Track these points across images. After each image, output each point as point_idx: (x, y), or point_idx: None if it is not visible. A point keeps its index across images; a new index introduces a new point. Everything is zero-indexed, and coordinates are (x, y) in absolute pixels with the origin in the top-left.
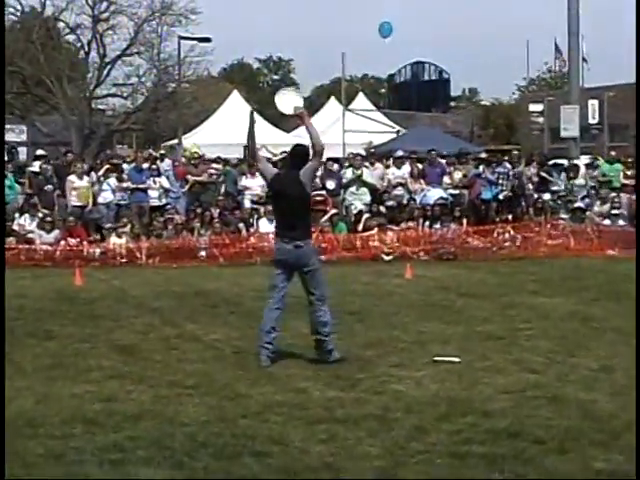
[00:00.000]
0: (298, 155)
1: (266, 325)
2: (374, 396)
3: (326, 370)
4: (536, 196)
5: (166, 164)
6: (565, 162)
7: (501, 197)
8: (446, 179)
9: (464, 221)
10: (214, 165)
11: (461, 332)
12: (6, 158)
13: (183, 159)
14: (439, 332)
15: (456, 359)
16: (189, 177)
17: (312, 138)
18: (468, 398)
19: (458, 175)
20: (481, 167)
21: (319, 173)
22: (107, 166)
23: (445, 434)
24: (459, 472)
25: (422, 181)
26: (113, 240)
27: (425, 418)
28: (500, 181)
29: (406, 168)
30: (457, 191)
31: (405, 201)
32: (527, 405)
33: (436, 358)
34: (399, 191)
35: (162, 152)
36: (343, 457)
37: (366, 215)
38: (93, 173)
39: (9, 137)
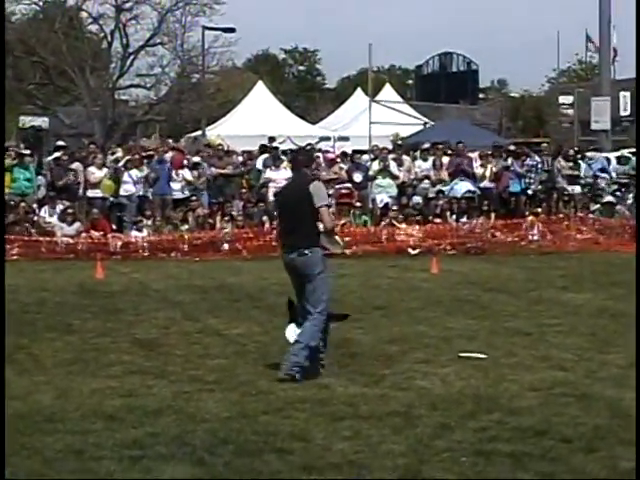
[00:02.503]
0: (297, 159)
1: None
2: (399, 392)
3: (350, 366)
4: (569, 189)
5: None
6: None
7: (530, 192)
8: (477, 171)
9: (492, 215)
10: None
11: (488, 328)
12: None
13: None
14: (465, 328)
15: (482, 355)
16: (213, 170)
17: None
18: (494, 395)
19: (486, 169)
20: (510, 160)
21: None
22: (128, 157)
23: (470, 432)
24: (484, 470)
25: (446, 172)
26: (134, 233)
27: (450, 415)
28: (529, 174)
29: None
30: (485, 184)
31: (432, 194)
32: (554, 403)
33: (462, 354)
34: (425, 184)
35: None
36: (367, 454)
37: (393, 208)
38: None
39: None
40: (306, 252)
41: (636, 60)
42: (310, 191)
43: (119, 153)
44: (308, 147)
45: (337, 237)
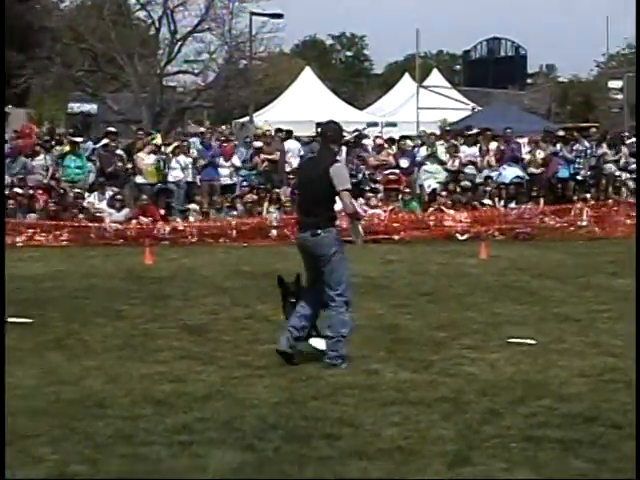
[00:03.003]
0: (326, 134)
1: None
2: (447, 378)
3: (399, 352)
4: (617, 174)
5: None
6: None
7: (580, 177)
8: (526, 157)
9: (541, 200)
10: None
11: (536, 313)
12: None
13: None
14: (514, 313)
15: (531, 341)
16: (261, 155)
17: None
18: (543, 381)
19: (534, 155)
20: (558, 145)
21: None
22: (176, 143)
23: (520, 418)
24: (534, 456)
25: (492, 158)
26: (182, 218)
27: (499, 401)
28: (578, 159)
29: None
30: (534, 170)
31: (481, 180)
32: (604, 389)
33: (511, 340)
34: (470, 169)
35: (202, 130)
36: (415, 440)
37: (442, 194)
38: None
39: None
40: (319, 232)
41: (636, 59)
42: (331, 174)
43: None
44: (355, 132)
45: (360, 227)
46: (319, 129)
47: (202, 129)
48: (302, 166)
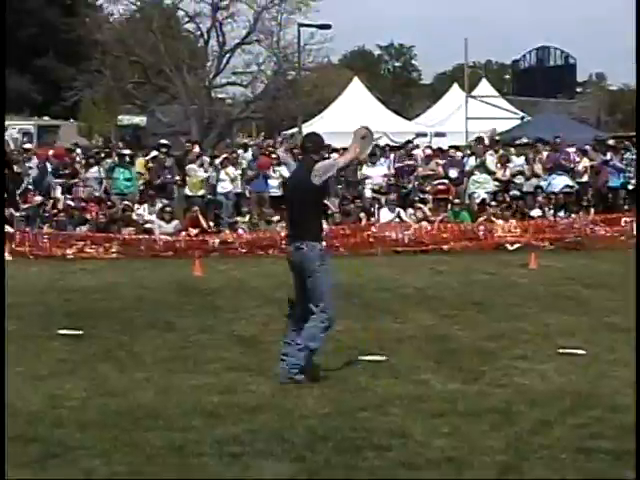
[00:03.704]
0: (305, 146)
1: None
2: (497, 389)
3: (448, 362)
4: None
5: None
6: None
7: (630, 186)
8: (579, 166)
9: (591, 210)
10: None
11: (587, 324)
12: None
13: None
14: (564, 323)
15: (582, 351)
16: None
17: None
18: (594, 392)
19: (583, 164)
20: (609, 154)
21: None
22: (225, 155)
23: (570, 428)
24: (585, 467)
25: (540, 167)
26: (231, 230)
27: (549, 412)
28: (629, 168)
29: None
30: (584, 179)
31: (530, 189)
32: None
33: (561, 350)
34: (519, 179)
35: (245, 142)
36: (465, 451)
37: (491, 204)
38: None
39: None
40: (303, 247)
41: (636, 60)
42: (315, 178)
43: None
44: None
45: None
46: (300, 142)
47: (246, 141)
48: (288, 180)
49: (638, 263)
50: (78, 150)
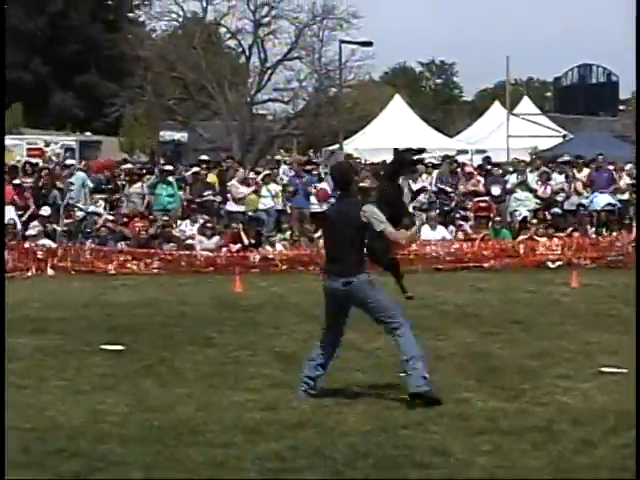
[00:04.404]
0: (337, 180)
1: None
2: (539, 407)
3: (489, 380)
4: None
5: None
6: None
7: None
8: (620, 184)
9: (633, 228)
10: None
11: (629, 342)
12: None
13: None
14: (606, 342)
15: (624, 370)
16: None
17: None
18: (637, 411)
19: (627, 180)
20: None
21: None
22: (267, 172)
23: (613, 448)
24: None
25: (580, 185)
26: (269, 247)
27: (592, 431)
28: None
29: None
30: (625, 196)
31: (572, 207)
32: None
33: (603, 369)
34: (561, 197)
35: (278, 158)
36: (507, 469)
37: (532, 222)
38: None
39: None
40: (352, 280)
41: (636, 62)
42: (364, 218)
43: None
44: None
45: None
46: (332, 176)
47: (279, 157)
48: (329, 213)
49: (638, 268)
50: (126, 165)
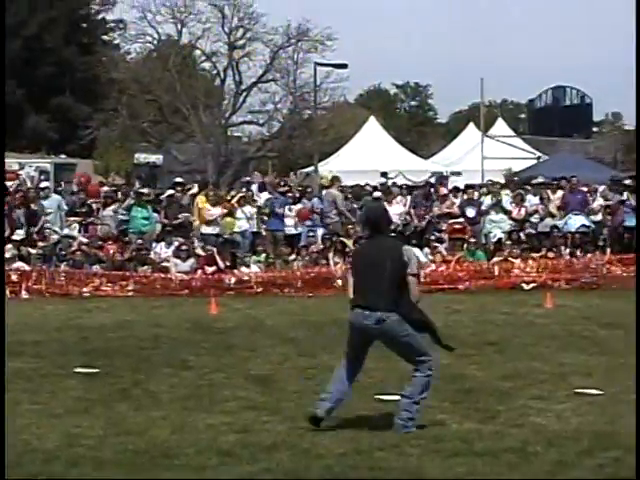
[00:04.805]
0: (382, 225)
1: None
2: (513, 429)
3: (464, 402)
4: None
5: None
6: None
7: None
8: (594, 205)
9: (607, 249)
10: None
11: (604, 364)
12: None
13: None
14: (581, 364)
15: (599, 392)
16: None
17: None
18: (611, 432)
19: (600, 202)
20: (625, 194)
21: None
22: (241, 194)
23: (588, 470)
24: None
25: (554, 206)
26: (243, 269)
27: (566, 452)
28: None
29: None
30: (598, 218)
31: (546, 228)
32: None
33: (578, 390)
34: (535, 218)
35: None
36: None
37: (507, 243)
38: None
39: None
40: (385, 318)
41: (636, 64)
42: (404, 254)
43: (194, 189)
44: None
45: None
46: (368, 221)
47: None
48: (363, 249)
49: (638, 271)
50: (104, 188)
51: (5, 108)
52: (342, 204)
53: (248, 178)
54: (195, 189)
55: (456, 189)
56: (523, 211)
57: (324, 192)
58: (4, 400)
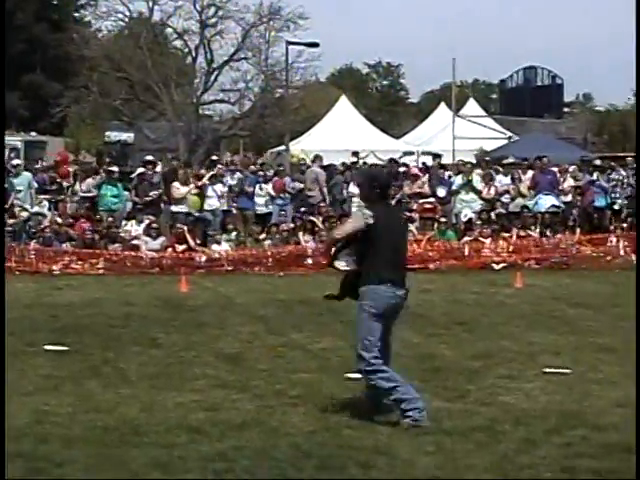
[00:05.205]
0: (388, 190)
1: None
2: (482, 408)
3: (434, 381)
4: None
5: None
6: None
7: (617, 207)
8: (564, 186)
9: (577, 230)
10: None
11: (573, 343)
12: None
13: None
14: (550, 343)
15: (567, 371)
16: (296, 184)
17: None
18: (579, 411)
19: (571, 182)
20: (595, 174)
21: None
22: (212, 172)
23: (555, 447)
24: None
25: (525, 186)
26: (214, 247)
27: (534, 431)
28: (615, 189)
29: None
30: (568, 198)
31: (517, 208)
32: None
33: (546, 370)
34: (506, 198)
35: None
36: (450, 470)
37: (477, 223)
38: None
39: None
40: (407, 289)
41: (636, 62)
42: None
43: (158, 167)
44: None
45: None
46: (378, 183)
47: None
48: (387, 218)
49: (638, 268)
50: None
51: (5, 107)
52: (324, 182)
53: (214, 157)
54: (159, 167)
55: (426, 168)
56: (493, 190)
57: (307, 170)
58: (4, 402)
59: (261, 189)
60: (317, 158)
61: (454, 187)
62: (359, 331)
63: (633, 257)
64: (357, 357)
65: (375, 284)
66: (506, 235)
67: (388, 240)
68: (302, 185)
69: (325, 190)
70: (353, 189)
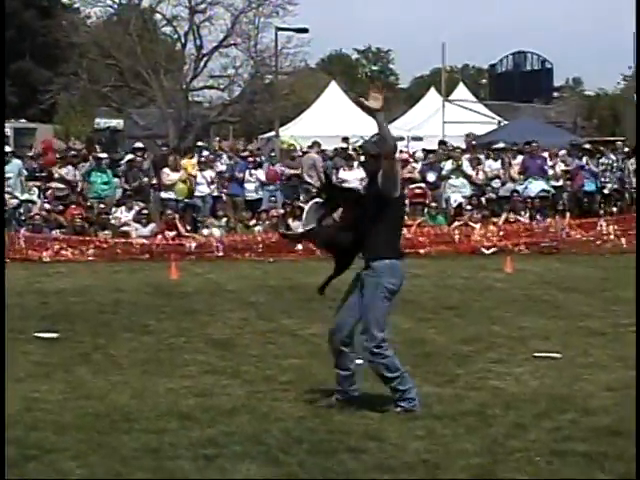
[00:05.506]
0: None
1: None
2: (472, 392)
3: (424, 365)
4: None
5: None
6: None
7: (606, 191)
8: (551, 170)
9: (567, 214)
10: None
11: (562, 327)
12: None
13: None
14: (540, 327)
15: (557, 355)
16: (285, 170)
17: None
18: (569, 395)
19: (561, 167)
20: (585, 159)
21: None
22: (202, 158)
23: (545, 431)
24: (559, 470)
25: (515, 171)
26: (206, 232)
27: (524, 415)
28: (605, 173)
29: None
30: (559, 183)
31: (506, 193)
32: (630, 403)
33: (536, 354)
34: (496, 183)
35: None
36: (440, 454)
37: (467, 208)
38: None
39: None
40: None
41: (636, 60)
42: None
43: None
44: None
45: None
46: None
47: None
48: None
49: (638, 264)
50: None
51: (5, 106)
52: (321, 168)
53: (201, 143)
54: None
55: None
56: (482, 175)
57: (305, 156)
58: (4, 400)
59: (251, 175)
60: (315, 144)
61: (444, 172)
62: (373, 309)
63: (623, 241)
64: (367, 335)
65: (395, 258)
66: (495, 220)
67: (404, 214)
68: (292, 171)
69: (322, 176)
70: (343, 174)
